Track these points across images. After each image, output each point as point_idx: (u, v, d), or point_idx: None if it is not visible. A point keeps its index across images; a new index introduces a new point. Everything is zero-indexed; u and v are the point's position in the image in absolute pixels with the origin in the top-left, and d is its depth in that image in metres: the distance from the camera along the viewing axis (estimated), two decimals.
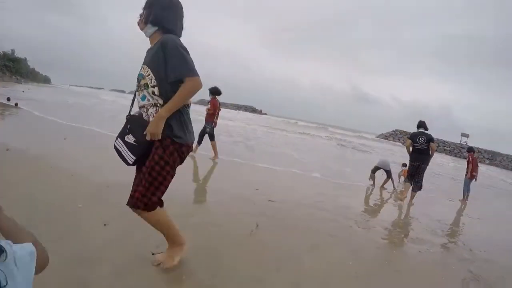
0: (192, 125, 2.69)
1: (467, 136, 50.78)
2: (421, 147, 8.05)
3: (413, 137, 8.22)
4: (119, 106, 25.37)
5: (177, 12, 2.61)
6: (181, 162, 2.63)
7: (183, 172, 5.48)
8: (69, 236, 3.10)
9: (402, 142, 47.06)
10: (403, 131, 51.34)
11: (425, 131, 8.18)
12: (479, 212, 8.67)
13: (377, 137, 52.63)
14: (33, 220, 3.19)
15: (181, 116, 2.50)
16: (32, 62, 61.85)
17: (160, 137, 2.40)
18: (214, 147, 8.75)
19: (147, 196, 2.42)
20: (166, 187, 2.53)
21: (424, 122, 8.26)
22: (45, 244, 1.01)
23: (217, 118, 8.92)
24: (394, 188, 9.75)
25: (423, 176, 8.30)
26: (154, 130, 2.35)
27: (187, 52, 2.42)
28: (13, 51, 45.02)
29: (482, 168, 26.43)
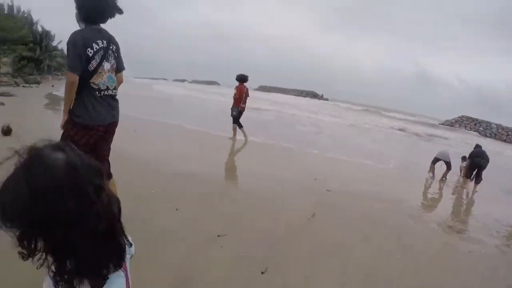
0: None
1: None
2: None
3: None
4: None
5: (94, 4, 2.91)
6: (97, 140, 3.06)
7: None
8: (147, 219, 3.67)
9: (469, 129, 44.37)
10: (470, 117, 48.16)
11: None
12: None
13: (442, 123, 49.84)
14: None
15: (85, 101, 2.93)
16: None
17: (62, 128, 3.00)
18: (234, 129, 9.55)
19: None
20: None
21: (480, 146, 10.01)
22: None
23: (244, 104, 9.55)
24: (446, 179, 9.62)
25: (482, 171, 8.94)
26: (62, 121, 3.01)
27: (74, 47, 2.80)
28: None
29: None
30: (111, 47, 3.05)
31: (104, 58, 2.98)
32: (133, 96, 16.41)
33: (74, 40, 2.81)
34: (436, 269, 3.88)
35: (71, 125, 2.96)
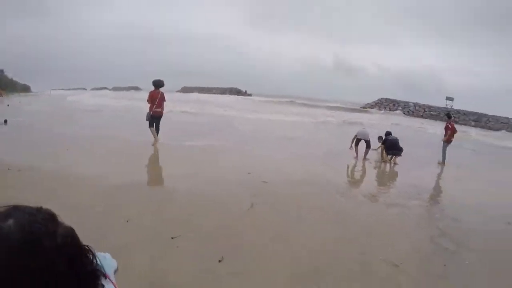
0: None
1: (452, 99, 51.75)
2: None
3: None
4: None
5: None
6: None
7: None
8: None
9: (388, 109, 48.11)
10: (389, 99, 52.41)
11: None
12: (454, 175, 9.65)
13: (363, 107, 53.36)
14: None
15: None
16: (10, 73, 62.52)
17: None
18: (152, 133, 9.95)
19: None
20: None
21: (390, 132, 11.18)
22: None
23: (159, 108, 9.99)
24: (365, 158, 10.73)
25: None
26: None
27: None
28: None
29: (467, 129, 27.74)
30: None
31: None
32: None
33: None
34: (364, 234, 4.50)
35: None
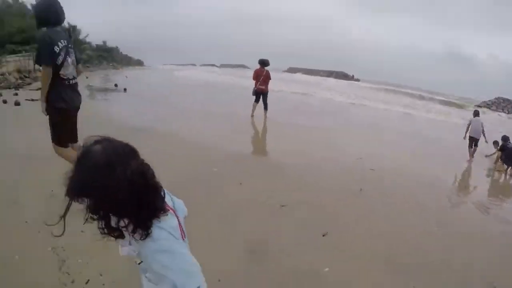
0: None
1: None
2: None
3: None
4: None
5: (49, 8, 3.66)
6: (70, 119, 3.95)
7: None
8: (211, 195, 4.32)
9: (506, 111, 42.87)
10: (507, 99, 46.43)
11: None
12: None
13: (477, 105, 48.15)
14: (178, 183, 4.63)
15: (59, 90, 3.71)
16: (123, 49, 69.17)
17: (44, 112, 3.80)
18: (253, 107, 10.59)
19: (53, 138, 3.86)
20: (59, 134, 3.87)
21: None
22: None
23: (262, 85, 10.47)
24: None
25: None
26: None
27: (44, 44, 3.55)
28: (104, 42, 50.12)
29: None
30: (69, 45, 3.79)
31: (67, 54, 3.71)
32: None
33: (44, 39, 3.57)
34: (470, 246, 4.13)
35: (54, 112, 3.78)
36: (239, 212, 3.94)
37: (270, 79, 10.70)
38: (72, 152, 3.92)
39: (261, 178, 5.18)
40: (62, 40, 3.65)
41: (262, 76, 10.45)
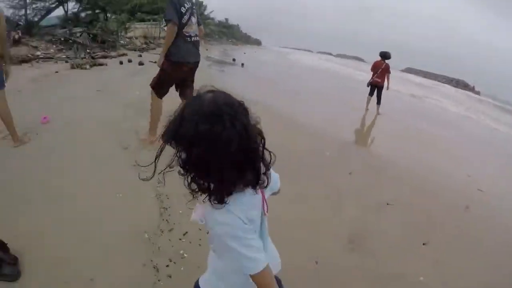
0: None
1: None
2: None
3: None
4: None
5: None
6: (181, 75, 4.33)
7: None
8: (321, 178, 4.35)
9: None
10: None
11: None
12: None
13: None
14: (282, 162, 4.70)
15: (179, 44, 4.10)
16: (244, 28, 71.79)
17: (159, 66, 4.26)
18: (367, 101, 10.32)
19: (154, 86, 4.35)
20: (162, 81, 4.32)
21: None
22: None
23: (379, 78, 10.04)
24: None
25: None
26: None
27: (173, 5, 3.94)
28: (226, 19, 52.89)
29: None
30: (194, 7, 4.21)
31: (191, 14, 4.13)
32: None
33: (172, 1, 3.98)
34: None
35: (169, 64, 4.18)
36: (345, 201, 3.86)
37: (389, 73, 10.20)
38: (159, 105, 4.42)
39: (371, 171, 5.01)
40: (187, 2, 4.08)
41: (380, 69, 10.05)
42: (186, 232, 2.79)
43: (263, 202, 1.18)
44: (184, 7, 4.04)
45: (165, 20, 4.23)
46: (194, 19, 4.22)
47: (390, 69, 10.13)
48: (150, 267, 2.39)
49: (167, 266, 2.42)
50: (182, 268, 2.41)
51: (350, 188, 4.22)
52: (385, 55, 10.14)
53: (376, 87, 10.08)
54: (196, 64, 4.45)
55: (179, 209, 3.07)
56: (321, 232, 3.17)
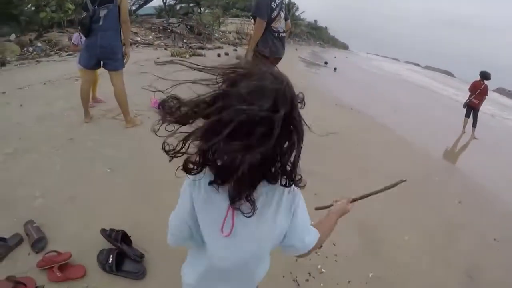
0: None
1: None
2: None
3: None
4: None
5: None
6: None
7: None
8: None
9: None
10: None
11: None
12: None
13: None
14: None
15: (267, 39, 4.23)
16: (331, 30, 71.33)
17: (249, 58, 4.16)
18: (463, 122, 9.70)
19: None
20: None
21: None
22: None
23: (476, 100, 9.55)
24: None
25: None
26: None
27: (264, 1, 4.08)
28: (315, 21, 53.13)
29: None
30: (283, 4, 4.34)
31: (280, 9, 4.25)
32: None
33: None
34: None
35: (255, 57, 3.95)
36: (454, 233, 3.62)
37: (486, 95, 9.67)
38: None
39: (478, 203, 4.62)
40: None
41: (479, 90, 9.51)
42: (321, 246, 2.55)
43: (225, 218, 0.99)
44: (275, 2, 4.18)
45: (252, 15, 4.36)
46: (282, 14, 4.36)
47: (488, 91, 9.63)
48: (290, 279, 2.31)
49: (307, 280, 2.33)
50: (321, 285, 2.33)
51: (460, 219, 3.95)
52: (485, 76, 9.65)
53: (472, 108, 9.58)
54: (279, 59, 4.57)
55: (311, 220, 2.87)
56: (438, 264, 3.02)
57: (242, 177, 0.83)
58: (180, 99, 0.91)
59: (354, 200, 1.40)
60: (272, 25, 4.21)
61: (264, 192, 0.96)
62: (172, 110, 0.91)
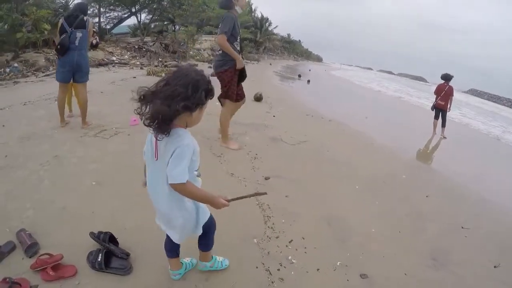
0: None
1: None
2: None
3: None
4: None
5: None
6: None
7: None
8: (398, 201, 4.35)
9: None
10: None
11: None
12: None
13: None
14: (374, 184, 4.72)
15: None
16: (305, 43, 72.40)
17: (243, 64, 4.75)
18: (433, 125, 10.22)
19: (231, 95, 4.79)
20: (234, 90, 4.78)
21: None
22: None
23: (442, 101, 10.12)
24: None
25: None
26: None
27: (231, 20, 4.42)
28: (289, 35, 54.37)
29: None
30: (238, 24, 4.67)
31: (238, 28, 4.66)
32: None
33: (231, 17, 4.46)
34: None
35: (229, 71, 4.65)
36: (423, 222, 3.89)
37: (452, 95, 10.22)
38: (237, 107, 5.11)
39: (446, 194, 4.96)
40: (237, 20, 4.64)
41: (443, 92, 10.12)
42: (292, 240, 2.95)
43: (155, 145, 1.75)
44: (237, 23, 4.61)
45: (219, 32, 4.59)
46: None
47: (453, 92, 10.20)
48: (262, 269, 2.53)
49: (278, 270, 2.55)
50: (292, 273, 2.54)
51: (429, 211, 4.23)
52: (446, 77, 10.22)
53: (440, 110, 10.10)
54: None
55: (281, 219, 3.27)
56: (403, 248, 3.24)
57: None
58: (145, 87, 1.65)
59: (231, 200, 1.84)
60: (235, 42, 4.70)
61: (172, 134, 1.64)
62: (141, 94, 1.62)
